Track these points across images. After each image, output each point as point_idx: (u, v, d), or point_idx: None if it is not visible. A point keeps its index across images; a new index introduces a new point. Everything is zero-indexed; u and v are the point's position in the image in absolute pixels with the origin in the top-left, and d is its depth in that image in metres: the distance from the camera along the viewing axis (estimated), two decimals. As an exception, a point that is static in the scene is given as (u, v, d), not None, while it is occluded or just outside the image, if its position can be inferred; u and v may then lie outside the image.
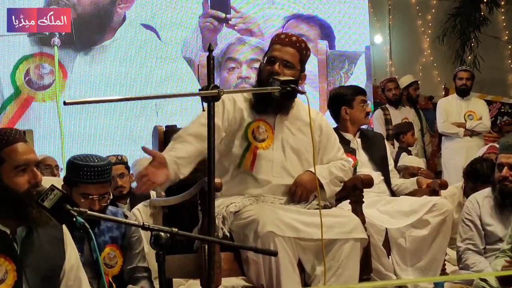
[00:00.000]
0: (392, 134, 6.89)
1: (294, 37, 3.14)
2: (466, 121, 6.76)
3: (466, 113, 6.80)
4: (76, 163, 2.96)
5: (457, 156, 6.65)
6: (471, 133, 6.72)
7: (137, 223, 2.09)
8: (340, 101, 3.98)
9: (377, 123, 7.04)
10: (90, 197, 2.93)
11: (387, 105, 7.21)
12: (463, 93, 6.87)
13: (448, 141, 6.83)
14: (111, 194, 4.04)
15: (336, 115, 4.02)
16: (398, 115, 7.11)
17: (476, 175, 4.29)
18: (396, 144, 6.78)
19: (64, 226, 2.34)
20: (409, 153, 6.43)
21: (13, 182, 2.20)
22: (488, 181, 3.84)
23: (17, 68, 6.56)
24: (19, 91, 6.54)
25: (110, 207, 3.17)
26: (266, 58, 3.10)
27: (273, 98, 2.97)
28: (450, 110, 6.83)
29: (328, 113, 4.14)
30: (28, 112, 6.54)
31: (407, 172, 4.96)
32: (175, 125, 3.32)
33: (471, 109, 6.83)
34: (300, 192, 3.01)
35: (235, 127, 3.04)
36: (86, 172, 2.92)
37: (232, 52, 7.29)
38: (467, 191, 4.33)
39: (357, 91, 4.05)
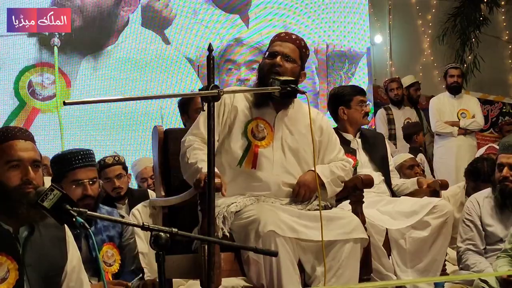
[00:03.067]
0: (394, 133, 6.91)
1: (294, 35, 3.17)
2: (459, 119, 6.76)
3: (459, 111, 6.79)
4: (59, 155, 3.11)
5: (448, 155, 6.66)
6: (465, 131, 6.72)
7: (137, 223, 2.09)
8: (338, 101, 3.98)
9: (379, 123, 7.04)
10: (81, 182, 3.00)
11: (390, 105, 7.21)
12: (455, 90, 6.85)
13: (441, 140, 6.82)
14: (100, 186, 4.06)
15: (334, 115, 4.01)
16: (401, 115, 7.11)
17: (477, 174, 4.28)
18: (400, 144, 6.79)
19: (66, 227, 2.35)
20: (421, 152, 6.41)
21: (4, 177, 2.21)
22: (490, 180, 3.83)
23: (19, 80, 6.57)
24: (24, 103, 6.55)
25: (105, 207, 3.20)
26: (266, 53, 3.11)
27: (273, 97, 2.99)
28: (442, 109, 6.82)
29: (328, 114, 4.14)
30: (35, 123, 6.54)
31: (404, 167, 4.93)
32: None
33: (464, 107, 6.82)
34: (303, 192, 3.01)
35: (230, 125, 3.04)
36: (71, 159, 3.02)
37: (231, 53, 7.28)
38: (469, 191, 4.32)
39: (356, 91, 4.04)
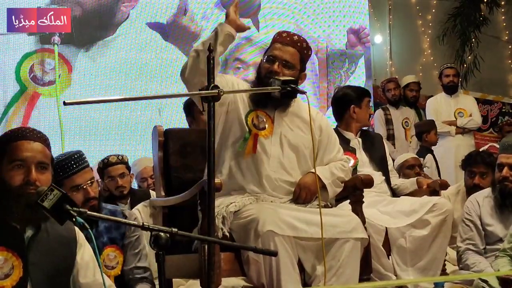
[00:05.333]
0: (392, 134, 6.90)
1: (296, 36, 3.13)
2: (456, 118, 6.77)
3: (456, 110, 6.81)
4: None
5: (448, 154, 6.66)
6: (462, 130, 6.72)
7: (136, 223, 2.08)
8: (349, 100, 4.00)
9: (378, 123, 7.04)
10: (80, 187, 2.96)
11: (387, 105, 7.21)
12: (451, 90, 6.88)
13: (440, 139, 6.78)
14: (100, 184, 4.06)
15: (341, 114, 4.01)
16: (399, 115, 7.10)
17: (470, 157, 4.26)
18: (398, 144, 6.78)
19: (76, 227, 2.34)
20: (432, 152, 6.37)
21: (8, 176, 2.22)
22: (484, 162, 3.90)
23: (21, 65, 6.56)
24: (25, 88, 6.54)
25: (108, 206, 3.18)
26: (266, 56, 3.10)
27: (272, 97, 2.98)
28: (439, 109, 6.84)
29: (327, 113, 4.15)
30: (36, 109, 6.53)
31: (404, 167, 4.92)
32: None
33: (461, 106, 6.84)
34: (304, 195, 3.01)
35: (233, 113, 3.04)
36: (64, 166, 2.95)
37: (240, 52, 7.25)
38: (466, 180, 4.29)
39: (366, 92, 4.13)
